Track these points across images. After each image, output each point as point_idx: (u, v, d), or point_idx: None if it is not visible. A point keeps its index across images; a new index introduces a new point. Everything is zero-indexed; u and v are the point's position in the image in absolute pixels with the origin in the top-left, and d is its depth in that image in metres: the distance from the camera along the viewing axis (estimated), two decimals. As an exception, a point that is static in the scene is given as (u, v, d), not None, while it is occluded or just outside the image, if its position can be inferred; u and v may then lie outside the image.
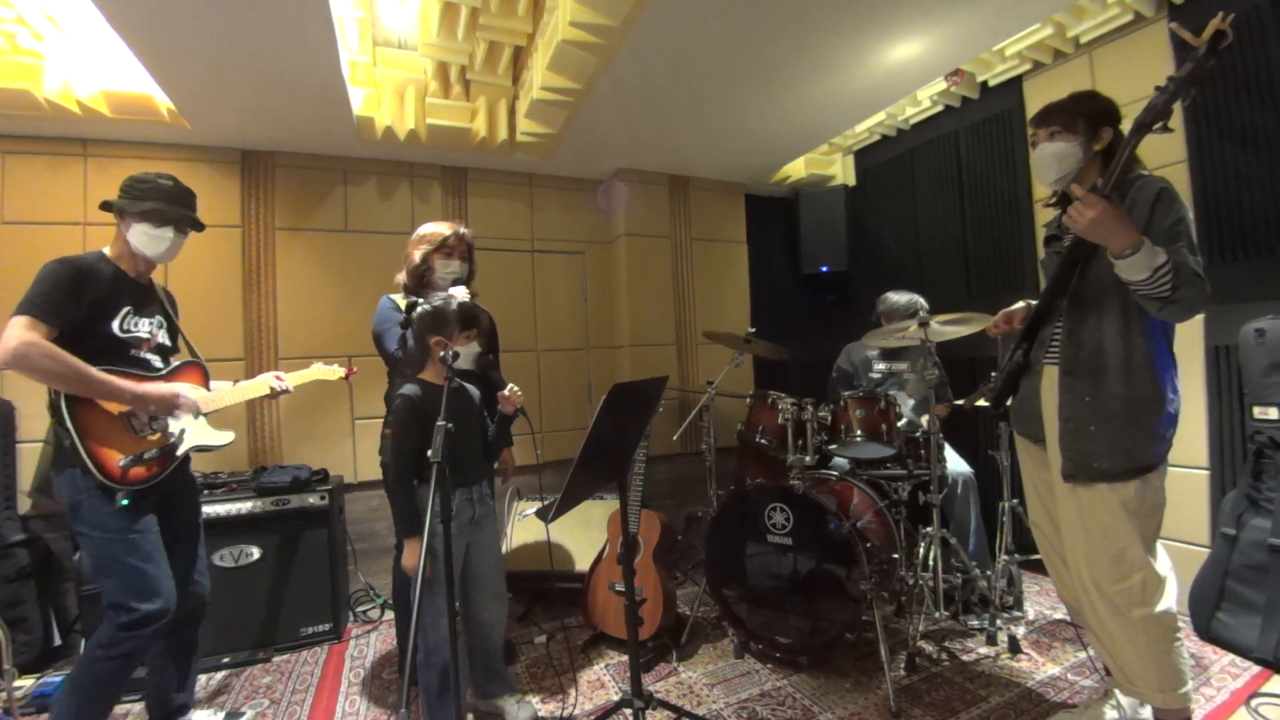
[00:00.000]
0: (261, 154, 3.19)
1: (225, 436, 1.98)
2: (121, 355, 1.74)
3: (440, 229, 2.22)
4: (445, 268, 2.20)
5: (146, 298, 1.85)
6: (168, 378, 1.86)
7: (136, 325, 1.79)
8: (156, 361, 1.84)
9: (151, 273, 1.90)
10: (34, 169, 2.81)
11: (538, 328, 3.80)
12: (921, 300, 3.00)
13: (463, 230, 2.26)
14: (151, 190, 1.78)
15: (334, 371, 2.29)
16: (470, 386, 1.99)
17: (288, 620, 2.62)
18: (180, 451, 1.84)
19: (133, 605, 1.65)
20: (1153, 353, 1.56)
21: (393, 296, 2.22)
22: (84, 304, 1.65)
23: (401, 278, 2.23)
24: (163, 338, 1.88)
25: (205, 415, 1.94)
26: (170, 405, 1.79)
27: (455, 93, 3.13)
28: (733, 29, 2.37)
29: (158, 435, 1.80)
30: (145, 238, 1.77)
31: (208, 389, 1.97)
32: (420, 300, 1.92)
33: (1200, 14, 1.34)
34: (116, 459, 1.67)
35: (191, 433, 1.89)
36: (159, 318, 1.88)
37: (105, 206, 1.76)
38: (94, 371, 1.62)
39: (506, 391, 1.91)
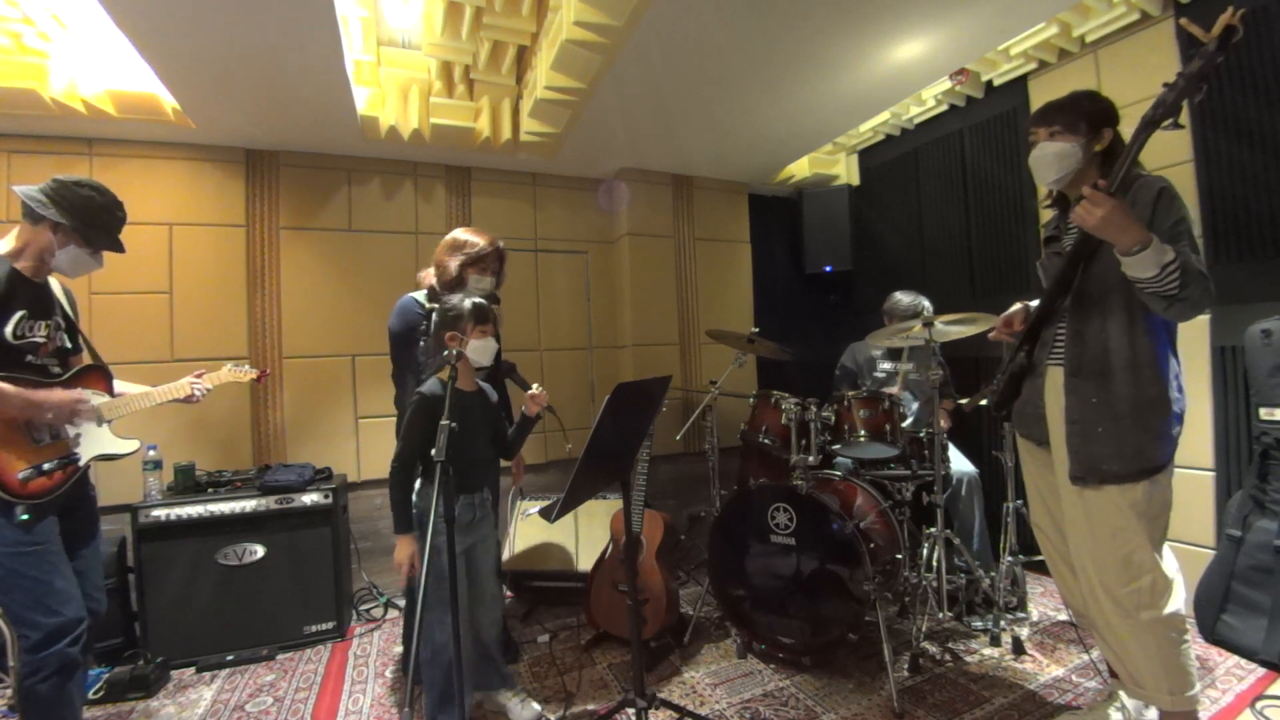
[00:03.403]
0: (266, 153, 3.20)
1: (129, 445, 1.87)
2: (15, 362, 1.61)
3: (479, 242, 2.16)
4: (479, 283, 2.16)
5: (44, 299, 1.72)
6: (68, 384, 1.74)
7: (32, 330, 1.65)
8: (55, 367, 1.72)
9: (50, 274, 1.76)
10: (40, 168, 2.82)
11: (541, 327, 3.80)
12: (925, 301, 3.00)
13: (501, 245, 2.22)
14: (108, 220, 1.70)
15: (246, 374, 2.21)
16: (488, 388, 1.99)
17: (291, 618, 2.63)
18: (83, 462, 1.74)
19: (39, 620, 1.55)
20: (1158, 352, 1.55)
21: (415, 296, 2.18)
22: None
23: (428, 278, 2.19)
24: (62, 340, 1.76)
25: (109, 422, 1.83)
26: (69, 412, 1.67)
27: (459, 92, 3.13)
28: (736, 28, 2.37)
29: (59, 445, 1.69)
30: (79, 263, 1.69)
31: (111, 394, 1.87)
32: (438, 306, 1.89)
33: (1208, 12, 1.33)
34: (15, 470, 1.56)
35: (94, 442, 1.79)
36: (57, 319, 1.75)
37: (33, 216, 1.62)
38: None
39: (535, 390, 1.91)
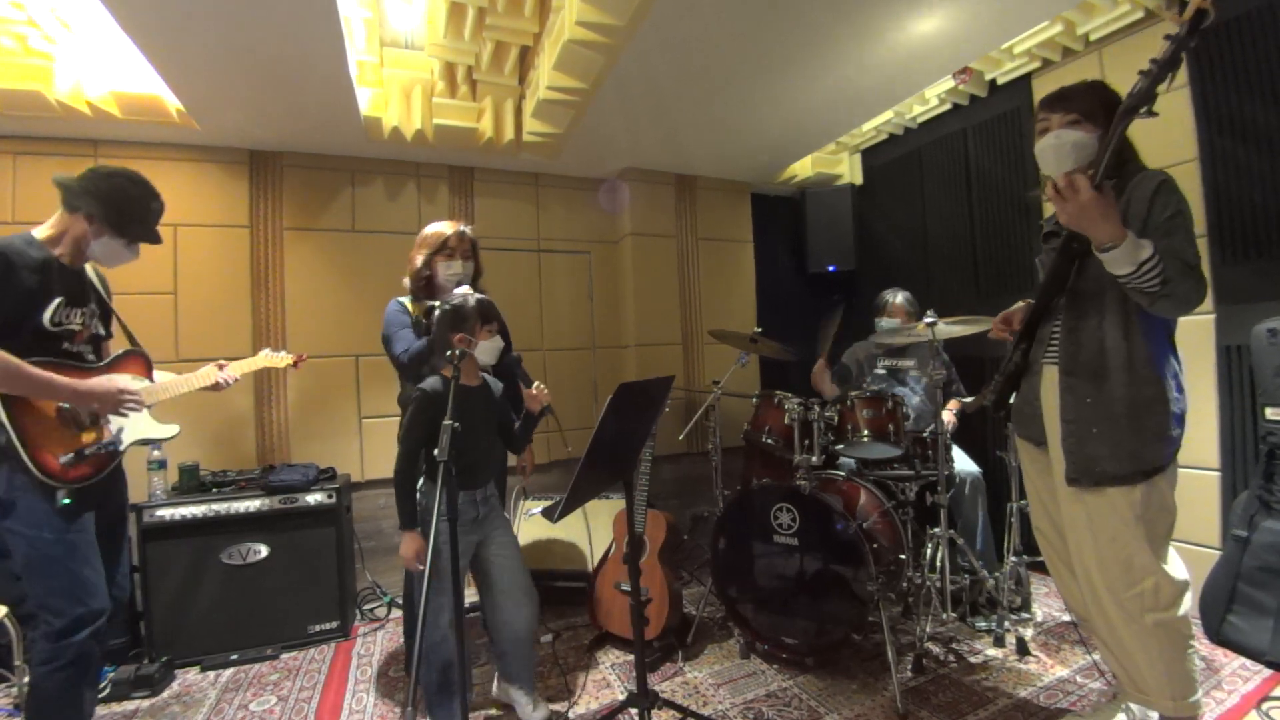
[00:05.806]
0: (269, 154, 3.21)
1: (169, 430, 1.89)
2: (52, 349, 1.62)
3: (441, 229, 2.18)
4: (447, 270, 2.15)
5: (80, 286, 1.71)
6: (108, 369, 1.74)
7: (69, 317, 1.66)
8: (90, 354, 1.73)
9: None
10: (46, 170, 2.80)
11: (544, 327, 3.80)
12: (909, 296, 3.04)
13: (464, 229, 2.20)
14: (141, 211, 1.71)
15: (282, 359, 2.23)
16: (493, 380, 1.98)
17: (295, 618, 2.64)
18: (124, 447, 1.75)
19: (65, 608, 1.54)
20: (1155, 351, 1.52)
21: (401, 300, 2.21)
22: (12, 295, 1.52)
23: (408, 282, 2.22)
24: (97, 327, 1.76)
25: (149, 407, 1.83)
26: (115, 401, 1.66)
27: (462, 93, 3.14)
28: (739, 27, 2.37)
29: (100, 429, 1.70)
30: (114, 253, 1.70)
31: (151, 379, 1.86)
32: (437, 303, 1.86)
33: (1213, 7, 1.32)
34: (57, 455, 1.57)
35: (135, 426, 1.80)
36: (93, 305, 1.75)
37: (69, 205, 1.63)
38: (28, 368, 1.50)
39: (534, 390, 1.91)
